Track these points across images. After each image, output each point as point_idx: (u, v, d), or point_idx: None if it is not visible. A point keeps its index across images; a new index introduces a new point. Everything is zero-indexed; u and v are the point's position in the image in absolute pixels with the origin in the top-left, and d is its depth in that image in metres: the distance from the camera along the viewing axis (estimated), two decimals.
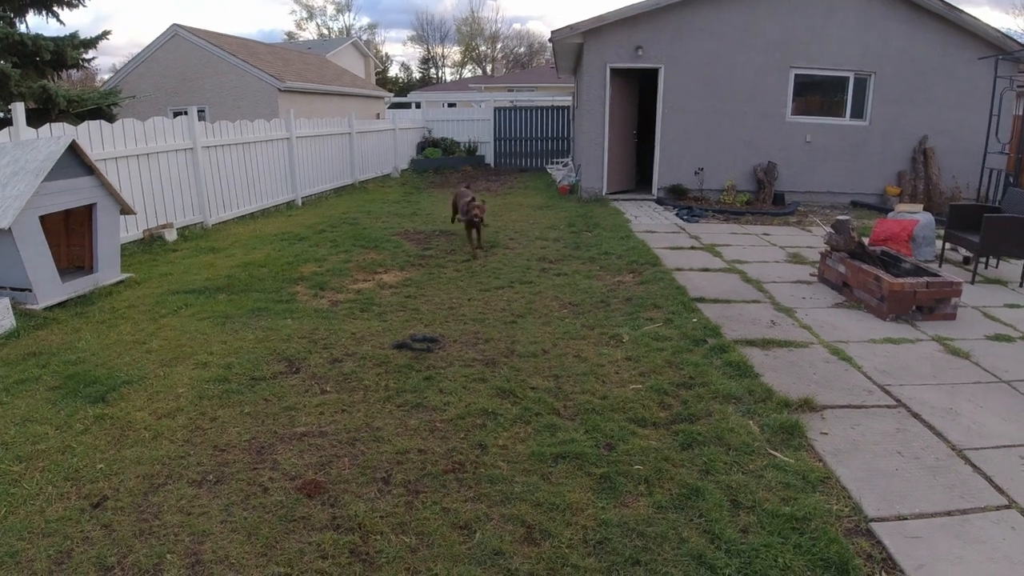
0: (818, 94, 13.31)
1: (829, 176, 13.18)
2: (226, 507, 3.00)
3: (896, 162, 13.07)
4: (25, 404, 4.04)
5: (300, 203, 13.02)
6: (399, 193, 14.54)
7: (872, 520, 2.97)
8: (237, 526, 2.86)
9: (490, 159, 21.16)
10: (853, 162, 13.11)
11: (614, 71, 12.89)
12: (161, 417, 3.87)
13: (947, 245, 8.00)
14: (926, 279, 5.88)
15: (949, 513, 3.04)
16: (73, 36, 13.68)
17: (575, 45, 13.60)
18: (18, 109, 7.11)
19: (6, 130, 7.00)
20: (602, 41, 12.74)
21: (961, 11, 12.21)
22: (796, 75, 12.88)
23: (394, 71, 64.27)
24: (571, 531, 2.81)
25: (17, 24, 13.19)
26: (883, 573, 2.65)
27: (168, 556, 2.68)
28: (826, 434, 3.72)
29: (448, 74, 67.28)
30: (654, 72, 12.97)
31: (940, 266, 7.61)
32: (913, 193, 12.67)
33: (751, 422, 3.79)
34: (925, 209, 9.18)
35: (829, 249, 6.83)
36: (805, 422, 3.79)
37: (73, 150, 6.38)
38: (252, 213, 11.46)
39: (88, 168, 6.57)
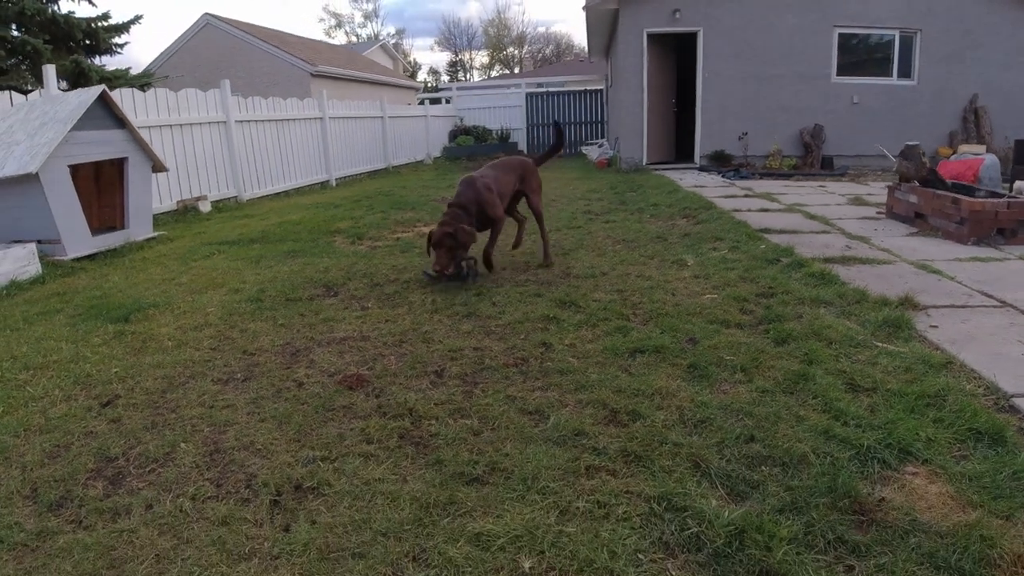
0: (863, 53, 12.70)
1: (878, 138, 12.40)
2: (254, 400, 2.64)
3: (947, 122, 12.39)
4: (43, 329, 3.75)
5: (334, 183, 12.75)
6: (433, 175, 14.22)
7: (1014, 396, 2.52)
8: (266, 416, 2.49)
9: (523, 145, 20.72)
10: (903, 123, 12.42)
11: (651, 37, 12.40)
12: (187, 331, 3.53)
13: (1014, 186, 7.42)
14: (1008, 199, 5.34)
15: None
16: (105, 15, 13.65)
17: (610, 12, 13.14)
18: (49, 71, 6.97)
19: (37, 91, 6.84)
20: (638, 5, 12.26)
21: None
22: (840, 34, 12.27)
23: (422, 75, 64.39)
24: (664, 413, 2.37)
25: (46, 3, 13.14)
26: None
27: (182, 445, 2.32)
28: (936, 327, 3.25)
29: (476, 76, 67.21)
30: (692, 37, 12.45)
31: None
32: None
33: (848, 321, 3.32)
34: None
35: (898, 180, 6.29)
36: (911, 317, 3.30)
37: (104, 101, 6.16)
38: (287, 191, 11.20)
39: (119, 120, 6.34)
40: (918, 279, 4.17)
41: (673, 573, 1.62)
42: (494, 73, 65.71)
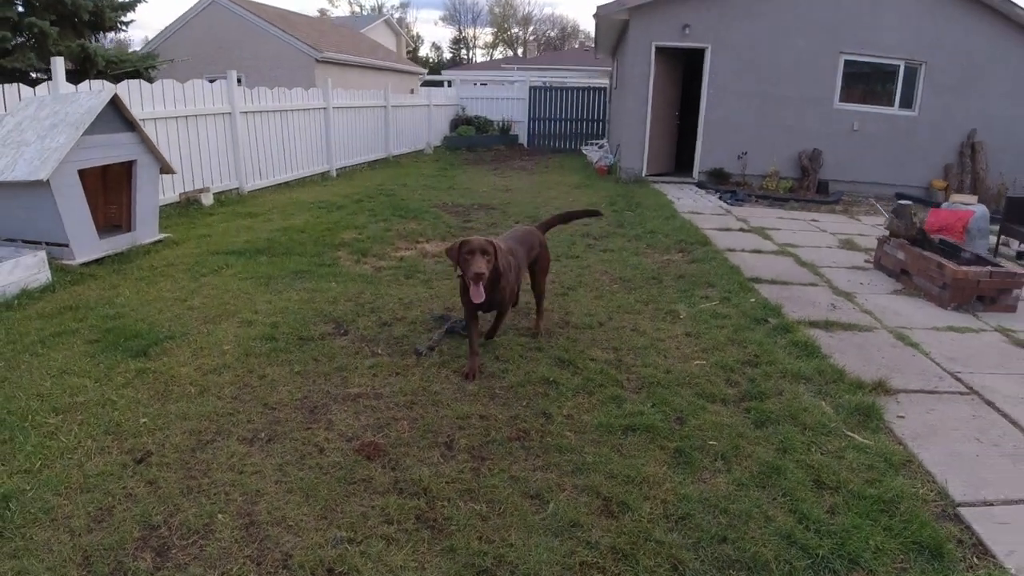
0: (867, 82, 12.92)
1: (875, 166, 12.81)
2: (280, 466, 2.86)
3: (943, 155, 12.68)
4: (62, 356, 3.92)
5: (335, 174, 12.90)
6: (433, 168, 14.37)
7: (959, 505, 2.80)
8: (293, 487, 2.72)
9: (524, 139, 20.89)
10: (900, 153, 12.72)
11: (659, 49, 12.57)
12: (207, 373, 3.75)
13: (1001, 239, 7.71)
14: (990, 268, 5.63)
15: None
16: None
17: (620, 21, 13.29)
18: (57, 64, 7.02)
19: (44, 84, 6.92)
20: (649, 18, 12.42)
21: (1016, 4, 11.79)
22: (845, 60, 12.49)
23: (425, 51, 63.97)
24: (650, 504, 2.65)
25: None
26: (975, 558, 2.48)
27: (219, 516, 2.54)
28: (903, 417, 3.53)
29: (479, 55, 66.89)
30: (699, 52, 12.65)
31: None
32: (959, 188, 12.29)
33: (824, 403, 3.60)
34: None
35: (888, 235, 6.57)
36: (881, 404, 3.59)
37: (115, 104, 6.24)
38: (287, 182, 11.35)
39: (129, 124, 6.45)
40: (895, 353, 4.46)
41: None
42: (497, 53, 65.40)
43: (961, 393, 3.93)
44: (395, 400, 3.47)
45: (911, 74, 12.55)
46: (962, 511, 2.77)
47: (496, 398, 3.53)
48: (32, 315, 4.64)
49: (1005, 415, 3.68)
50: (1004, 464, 3.16)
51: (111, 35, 15.36)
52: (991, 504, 2.84)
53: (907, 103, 12.70)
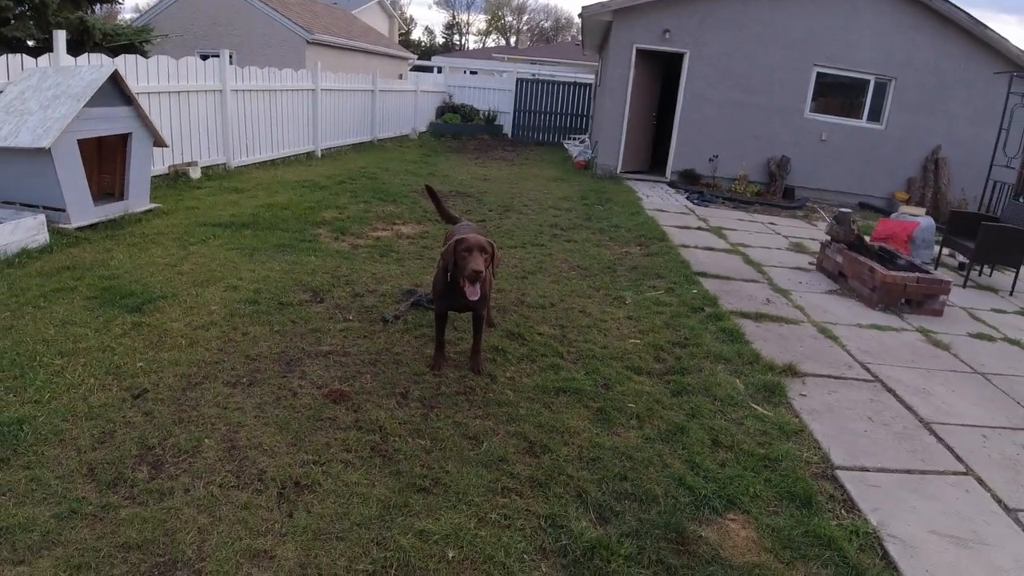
0: (838, 95, 13.50)
1: (840, 176, 13.43)
2: (259, 405, 3.34)
3: (907, 168, 13.32)
4: (63, 309, 4.33)
5: (320, 155, 13.28)
6: (417, 154, 14.79)
7: (837, 468, 3.32)
8: (269, 421, 3.21)
9: (508, 129, 21.34)
10: (865, 164, 13.34)
11: (640, 52, 13.08)
12: (196, 328, 4.20)
13: (945, 250, 8.30)
14: (917, 274, 6.19)
15: (909, 472, 3.39)
16: None
17: (604, 23, 13.77)
18: (59, 37, 7.31)
19: (46, 56, 7.20)
20: (631, 21, 12.92)
21: (986, 26, 12.40)
22: (818, 73, 13.08)
23: (417, 34, 64.00)
24: (568, 449, 3.17)
25: None
26: (842, 511, 2.99)
27: (206, 440, 3.02)
28: (805, 396, 4.07)
29: (472, 42, 67.00)
30: (678, 57, 13.17)
31: (936, 268, 7.90)
32: (921, 200, 12.92)
33: (737, 380, 4.14)
34: (930, 216, 9.45)
35: (829, 239, 7.13)
36: (787, 384, 4.14)
37: (115, 80, 6.59)
38: (273, 160, 11.73)
39: (127, 98, 6.81)
40: (814, 344, 5.01)
41: (544, 570, 2.41)
42: (490, 41, 65.51)
43: (866, 380, 4.47)
44: (361, 358, 3.96)
45: (880, 89, 13.16)
46: (839, 473, 3.28)
47: (449, 361, 4.03)
48: (32, 272, 5.05)
49: (902, 400, 4.21)
50: (889, 440, 3.68)
51: (104, 6, 15.47)
52: (867, 470, 3.36)
53: (875, 117, 13.32)
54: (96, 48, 12.76)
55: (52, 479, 2.68)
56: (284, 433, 3.11)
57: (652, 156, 14.74)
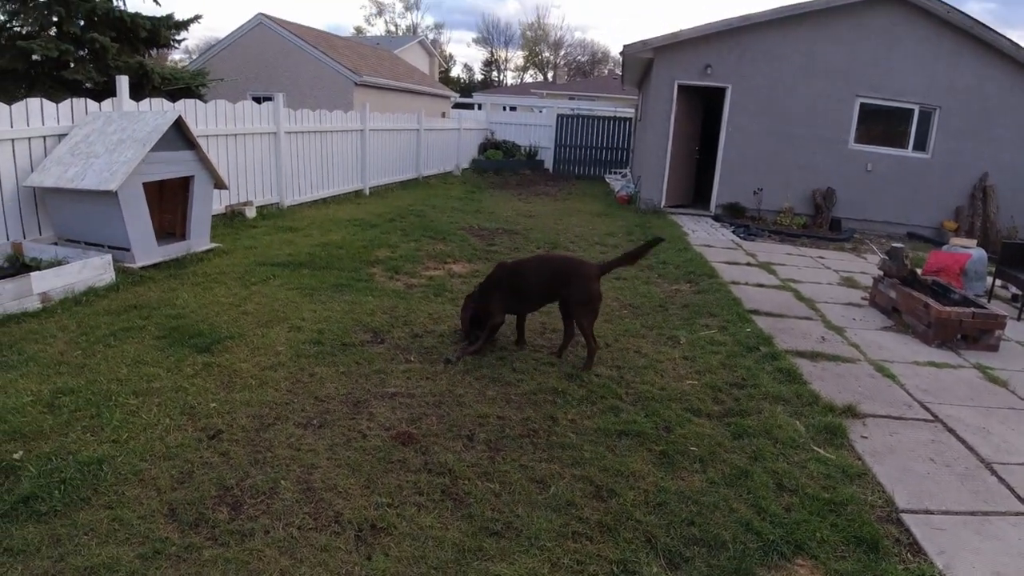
0: (882, 124, 13.41)
1: (887, 206, 13.27)
2: (330, 447, 3.45)
3: (955, 197, 13.12)
4: (134, 349, 4.54)
5: (368, 192, 13.61)
6: (461, 191, 15.05)
7: (902, 511, 3.30)
8: (341, 462, 3.31)
9: (549, 164, 21.57)
10: (912, 194, 13.18)
11: (681, 87, 13.19)
12: (264, 369, 4.35)
13: (998, 281, 8.14)
14: (972, 309, 6.10)
15: (972, 513, 3.36)
16: (169, 17, 14.51)
17: (645, 60, 13.94)
18: (122, 82, 7.65)
19: (109, 100, 7.49)
20: (672, 58, 13.06)
21: None
22: (861, 104, 13.02)
23: (456, 71, 65.33)
24: (634, 493, 3.20)
25: (118, 6, 13.99)
26: (908, 554, 2.98)
27: (282, 482, 3.12)
28: (866, 438, 4.04)
29: (510, 77, 68.07)
30: (719, 91, 13.24)
31: (989, 301, 7.75)
32: (970, 229, 12.69)
33: (797, 422, 4.12)
34: (980, 246, 9.28)
35: (882, 275, 7.06)
36: (847, 426, 4.11)
37: (178, 125, 6.88)
38: (324, 198, 12.07)
39: (190, 143, 7.10)
40: (872, 383, 4.96)
41: None
42: (528, 76, 66.44)
43: (926, 420, 4.42)
44: (425, 399, 4.06)
45: (925, 118, 13.04)
46: (904, 516, 3.27)
47: (511, 403, 4.11)
48: (100, 311, 5.30)
49: (963, 441, 4.16)
50: (951, 481, 3.65)
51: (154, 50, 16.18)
52: (931, 513, 3.34)
53: (920, 145, 13.18)
54: (155, 92, 13.37)
55: (134, 519, 2.80)
56: (357, 475, 3.20)
57: (695, 189, 14.76)
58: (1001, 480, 3.71)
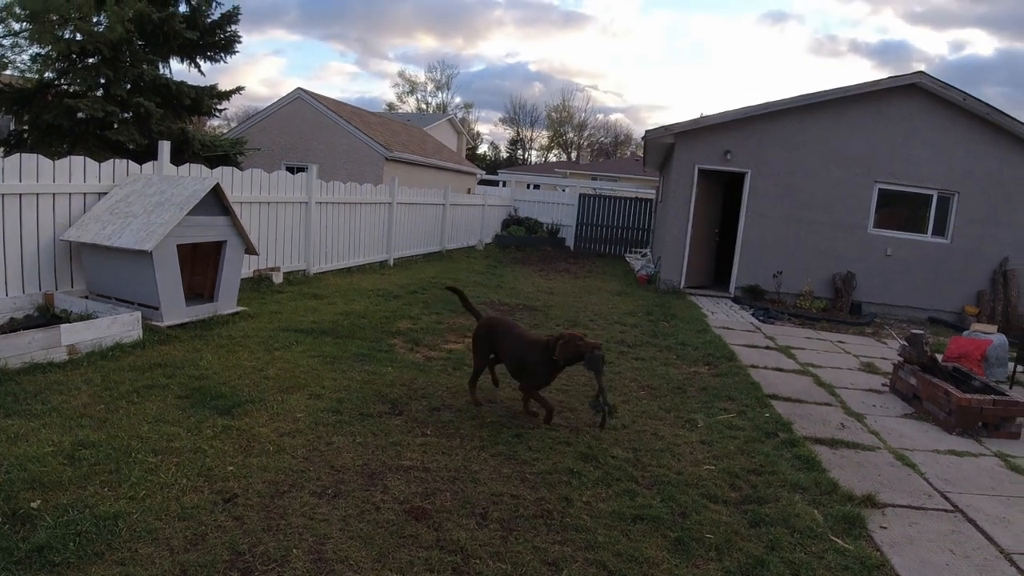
0: (901, 209, 13.49)
1: (907, 290, 13.24)
2: (344, 518, 3.46)
3: (976, 282, 13.07)
4: (156, 407, 4.63)
5: (392, 263, 13.87)
6: (483, 265, 15.27)
7: None
8: (354, 534, 3.31)
9: (570, 242, 21.87)
10: (932, 279, 13.15)
11: (701, 171, 13.46)
12: (283, 435, 4.40)
13: (1019, 367, 8.05)
14: (993, 397, 6.04)
15: None
16: (213, 88, 15.18)
17: (666, 144, 14.31)
18: (164, 147, 8.01)
19: (150, 163, 7.82)
20: (693, 143, 13.39)
21: None
22: (880, 190, 13.18)
23: (483, 148, 67.13)
24: None
25: (160, 68, 14.69)
26: None
27: (294, 551, 3.13)
28: (885, 528, 3.96)
29: (534, 156, 69.74)
30: (739, 175, 13.50)
31: (1011, 387, 7.63)
32: (992, 314, 12.59)
33: (816, 511, 4.06)
34: (1002, 331, 9.20)
35: (902, 361, 7.02)
36: (866, 515, 4.04)
37: (216, 192, 7.16)
38: (349, 268, 12.32)
39: (225, 209, 7.37)
40: (891, 472, 4.88)
41: None
42: (552, 156, 67.98)
43: (946, 510, 4.34)
44: (440, 475, 4.06)
45: (944, 203, 13.14)
46: None
47: (526, 481, 4.10)
48: (125, 367, 5.43)
49: (983, 531, 4.08)
50: (970, 572, 3.58)
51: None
52: None
53: (940, 231, 13.23)
54: (194, 157, 13.89)
55: None
56: (369, 548, 3.20)
57: (715, 271, 14.85)
58: (1020, 571, 3.63)
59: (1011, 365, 8.12)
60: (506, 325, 5.63)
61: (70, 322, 5.84)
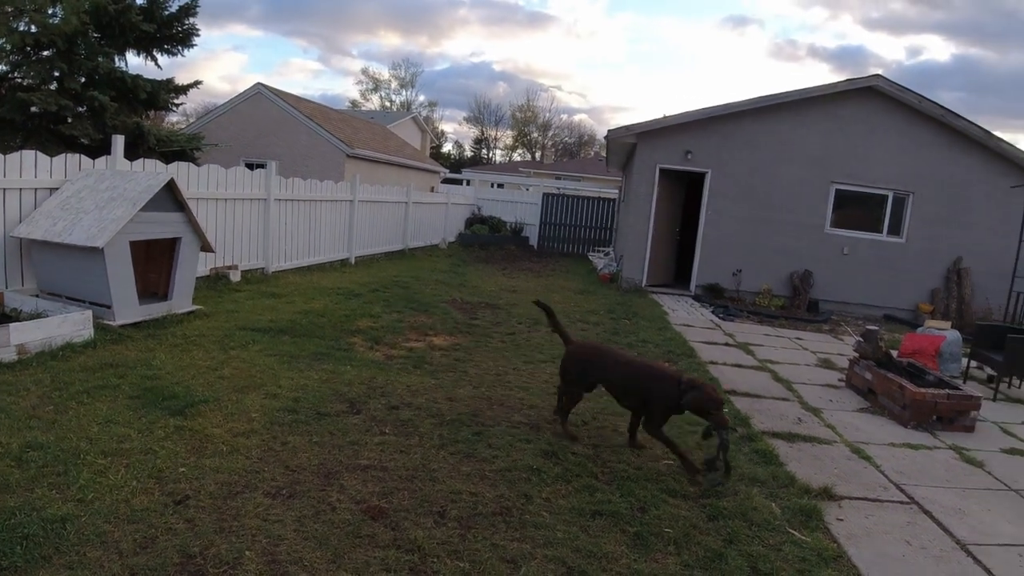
0: (857, 208, 13.79)
1: (864, 288, 13.52)
2: (298, 519, 3.38)
3: (930, 280, 13.42)
4: (106, 407, 4.49)
5: (353, 262, 13.71)
6: (447, 264, 15.19)
7: None
8: (309, 535, 3.23)
9: (534, 241, 21.89)
10: (888, 277, 13.46)
11: (663, 171, 13.58)
12: (237, 435, 4.29)
13: (972, 363, 8.26)
14: (947, 391, 6.17)
15: None
16: (169, 81, 14.85)
17: (628, 144, 14.40)
18: (117, 141, 7.79)
19: (103, 158, 7.59)
20: (654, 143, 13.50)
21: (1000, 139, 12.83)
22: (836, 190, 13.44)
23: (447, 148, 66.80)
24: (606, 575, 3.13)
25: (116, 61, 14.29)
26: None
27: (247, 553, 3.04)
28: (842, 520, 4.02)
29: (499, 155, 69.65)
30: (700, 175, 13.64)
31: (964, 382, 7.84)
32: (946, 311, 12.93)
33: (773, 504, 4.10)
34: (956, 327, 9.45)
35: (858, 356, 7.15)
36: (823, 508, 4.09)
37: (170, 187, 6.98)
38: (309, 266, 12.14)
39: (180, 204, 7.18)
40: (848, 465, 4.96)
41: None
42: (516, 155, 67.97)
43: (902, 502, 4.41)
44: (398, 473, 4.00)
45: (899, 203, 13.46)
46: None
47: (485, 479, 4.05)
48: (76, 367, 5.26)
49: (938, 523, 4.16)
50: (927, 563, 3.64)
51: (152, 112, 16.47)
52: None
53: (895, 230, 13.55)
54: (150, 152, 13.53)
55: None
56: (324, 549, 3.13)
57: (676, 269, 14.99)
58: (977, 561, 3.70)
59: (964, 360, 8.33)
60: (604, 349, 5.18)
61: (20, 321, 5.64)
